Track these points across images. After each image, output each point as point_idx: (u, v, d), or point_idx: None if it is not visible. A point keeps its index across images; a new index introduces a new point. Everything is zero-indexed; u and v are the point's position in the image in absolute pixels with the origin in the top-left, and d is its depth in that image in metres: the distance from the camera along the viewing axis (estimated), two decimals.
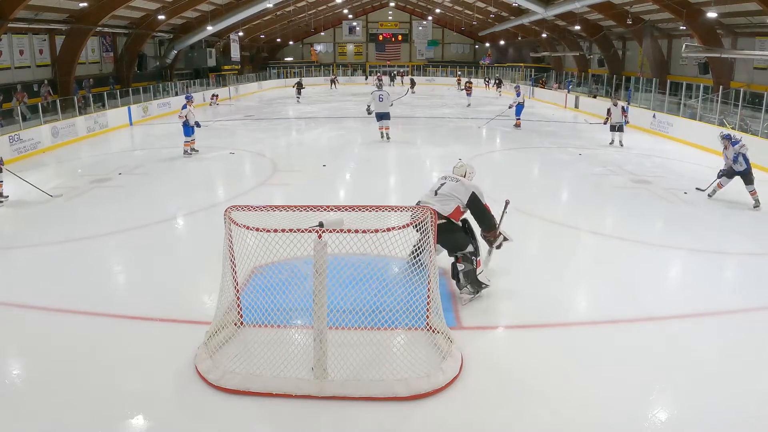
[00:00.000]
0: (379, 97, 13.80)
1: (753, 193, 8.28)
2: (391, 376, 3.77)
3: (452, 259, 5.17)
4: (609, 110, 14.14)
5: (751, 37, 18.59)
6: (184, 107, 12.49)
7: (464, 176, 5.35)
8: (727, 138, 8.42)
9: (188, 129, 12.48)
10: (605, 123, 14.28)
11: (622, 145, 14.00)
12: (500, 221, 5.63)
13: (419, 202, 5.17)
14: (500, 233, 5.41)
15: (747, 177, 8.23)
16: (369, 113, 14.24)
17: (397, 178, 10.92)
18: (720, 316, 4.95)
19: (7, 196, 8.75)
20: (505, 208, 5.74)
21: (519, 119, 17.23)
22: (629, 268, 6.06)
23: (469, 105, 24.41)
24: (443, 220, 4.96)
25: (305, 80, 33.09)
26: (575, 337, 4.61)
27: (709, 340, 4.52)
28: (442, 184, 5.22)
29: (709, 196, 8.82)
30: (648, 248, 6.67)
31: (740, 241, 7.00)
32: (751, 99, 14.02)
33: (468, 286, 5.12)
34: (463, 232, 5.19)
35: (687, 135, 14.77)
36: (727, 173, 8.45)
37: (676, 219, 7.99)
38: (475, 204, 5.14)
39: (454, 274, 5.22)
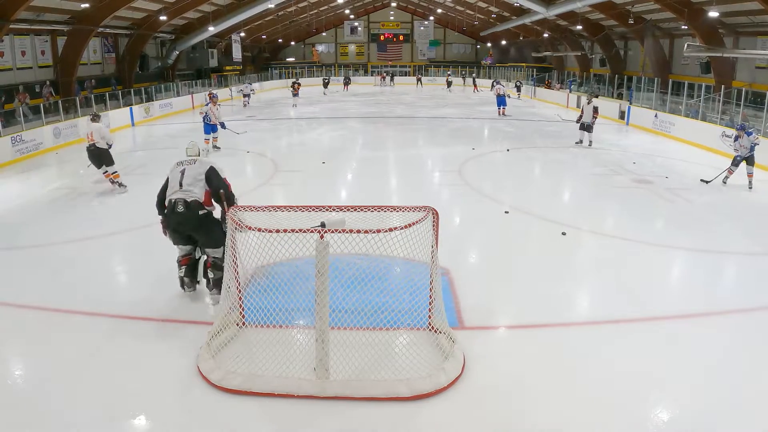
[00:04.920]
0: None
1: (750, 175, 9.47)
2: (393, 376, 3.78)
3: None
4: (582, 107, 13.89)
5: (753, 37, 18.56)
6: (207, 104, 12.59)
7: (198, 155, 5.13)
8: (741, 129, 9.47)
9: (208, 127, 12.50)
10: (577, 122, 13.99)
11: (590, 145, 13.64)
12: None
13: (170, 199, 4.82)
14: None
15: (750, 159, 9.45)
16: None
17: (398, 179, 10.92)
18: (720, 316, 4.96)
19: (125, 186, 9.28)
20: None
21: None
22: (630, 268, 6.06)
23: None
24: (203, 211, 4.84)
25: (304, 80, 33.29)
26: (576, 337, 4.62)
27: (709, 340, 4.52)
28: (182, 173, 4.90)
29: (723, 182, 9.69)
30: (649, 248, 6.67)
31: (740, 241, 7.00)
32: (753, 98, 14.01)
33: (216, 290, 4.96)
34: (221, 229, 4.92)
35: (689, 135, 14.76)
36: (737, 161, 9.54)
37: (676, 219, 7.99)
38: (215, 177, 4.92)
39: (204, 273, 5.11)
